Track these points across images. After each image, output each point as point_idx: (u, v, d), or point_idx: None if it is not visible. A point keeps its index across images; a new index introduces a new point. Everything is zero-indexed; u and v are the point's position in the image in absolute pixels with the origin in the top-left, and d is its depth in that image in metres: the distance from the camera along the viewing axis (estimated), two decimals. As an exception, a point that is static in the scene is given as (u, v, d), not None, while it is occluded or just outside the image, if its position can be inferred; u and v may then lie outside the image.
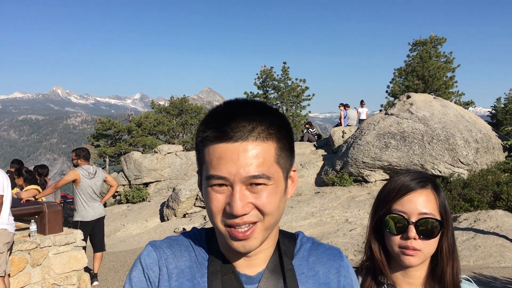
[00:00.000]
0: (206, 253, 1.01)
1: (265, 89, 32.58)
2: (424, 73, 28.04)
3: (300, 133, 23.32)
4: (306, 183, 13.49)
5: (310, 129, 19.11)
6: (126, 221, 13.47)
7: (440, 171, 11.90)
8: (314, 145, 17.56)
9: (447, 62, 30.23)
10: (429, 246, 1.25)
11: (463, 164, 12.01)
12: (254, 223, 0.90)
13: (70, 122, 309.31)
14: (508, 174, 12.00)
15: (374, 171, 12.33)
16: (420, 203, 1.24)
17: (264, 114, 0.92)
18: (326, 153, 15.99)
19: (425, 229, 1.23)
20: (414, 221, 1.22)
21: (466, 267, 7.15)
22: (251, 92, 32.53)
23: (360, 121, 17.74)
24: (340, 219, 10.19)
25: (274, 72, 32.22)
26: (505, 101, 36.61)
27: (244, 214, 0.88)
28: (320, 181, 13.47)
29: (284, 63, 32.48)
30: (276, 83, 32.18)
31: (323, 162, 14.28)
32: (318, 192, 12.29)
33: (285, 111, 32.72)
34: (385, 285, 1.31)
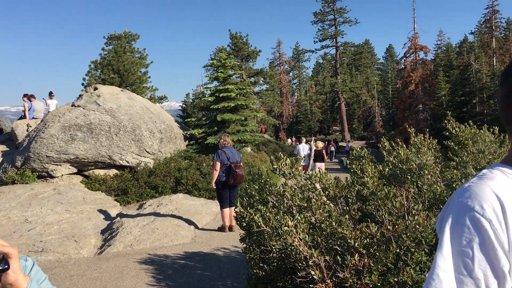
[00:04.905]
0: None
1: None
2: (120, 67, 28.38)
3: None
4: (-20, 185, 11.68)
5: (-12, 123, 16.71)
6: None
7: (128, 161, 12.21)
8: (-6, 141, 15.45)
9: (141, 58, 31.51)
10: None
11: (149, 153, 12.65)
12: None
13: None
14: (188, 160, 13.33)
15: (60, 165, 11.67)
16: None
17: None
18: (8, 149, 14.28)
19: None
20: None
21: (143, 250, 7.49)
22: None
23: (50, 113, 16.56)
24: (18, 220, 9.19)
25: None
26: (193, 96, 41.33)
27: None
28: (-1, 181, 11.91)
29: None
30: None
31: (1, 159, 12.67)
32: (-5, 193, 10.81)
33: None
34: None
